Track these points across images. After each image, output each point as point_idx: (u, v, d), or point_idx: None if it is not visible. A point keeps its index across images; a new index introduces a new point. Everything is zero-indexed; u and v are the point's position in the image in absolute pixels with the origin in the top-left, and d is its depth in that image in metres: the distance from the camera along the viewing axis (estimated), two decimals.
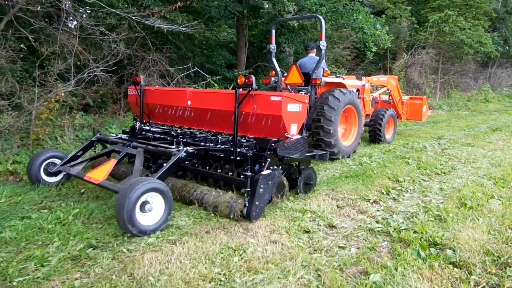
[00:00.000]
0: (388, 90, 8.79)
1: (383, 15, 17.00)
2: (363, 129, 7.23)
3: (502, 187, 5.10)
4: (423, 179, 5.42)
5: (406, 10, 18.31)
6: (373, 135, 7.95)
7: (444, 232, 3.49)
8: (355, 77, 8.00)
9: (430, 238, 3.36)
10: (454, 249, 3.19)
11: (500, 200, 4.55)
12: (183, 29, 9.40)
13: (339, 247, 3.25)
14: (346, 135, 6.74)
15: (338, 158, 6.33)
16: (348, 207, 4.23)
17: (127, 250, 3.02)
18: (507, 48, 29.47)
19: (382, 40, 13.13)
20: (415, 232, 3.51)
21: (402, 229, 3.59)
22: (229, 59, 14.08)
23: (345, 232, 3.56)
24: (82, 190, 4.49)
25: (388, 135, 8.27)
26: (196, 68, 13.14)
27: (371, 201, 4.42)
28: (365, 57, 21.49)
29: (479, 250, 3.18)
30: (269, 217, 3.78)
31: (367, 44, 12.61)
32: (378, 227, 3.64)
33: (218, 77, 13.43)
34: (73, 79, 7.35)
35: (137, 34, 11.74)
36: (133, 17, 7.80)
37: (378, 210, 4.15)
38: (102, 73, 8.40)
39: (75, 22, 8.35)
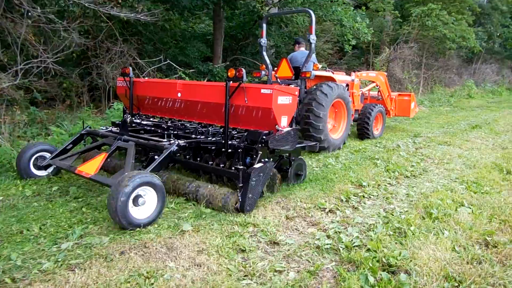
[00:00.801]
0: (377, 86, 8.76)
1: (364, 8, 16.54)
2: (352, 123, 7.35)
3: (474, 192, 4.67)
4: (389, 183, 4.96)
5: (390, 4, 17.87)
6: (361, 131, 7.97)
7: (401, 250, 3.02)
8: (344, 72, 7.99)
9: (384, 258, 2.88)
10: (409, 273, 2.72)
11: (470, 208, 4.10)
12: (142, 17, 8.77)
13: (276, 271, 2.75)
14: (335, 128, 6.82)
15: (328, 151, 6.43)
16: (298, 218, 3.73)
17: (11, 279, 2.48)
18: (491, 44, 29.42)
19: (362, 33, 12.67)
20: (368, 250, 3.03)
21: (354, 246, 3.11)
22: (204, 51, 13.47)
23: (288, 250, 3.06)
24: None
25: (376, 131, 8.31)
26: (169, 61, 12.54)
27: (327, 210, 3.93)
28: (347, 51, 21.18)
29: (438, 274, 2.72)
30: (202, 231, 3.27)
31: (345, 37, 12.13)
32: (327, 244, 3.15)
33: (191, 70, 12.82)
34: (19, 71, 6.71)
35: (102, 24, 11.10)
36: (85, 3, 7.15)
37: (332, 222, 3.66)
38: (55, 65, 7.72)
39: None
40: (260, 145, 3.97)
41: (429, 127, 10.39)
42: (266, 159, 3.96)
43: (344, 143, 6.99)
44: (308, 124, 6.06)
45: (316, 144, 5.07)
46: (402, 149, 7.01)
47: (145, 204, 3.32)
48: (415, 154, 6.59)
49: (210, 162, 4.35)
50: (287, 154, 4.46)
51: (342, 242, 3.18)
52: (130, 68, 5.33)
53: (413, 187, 4.85)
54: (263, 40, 6.85)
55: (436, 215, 3.79)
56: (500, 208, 4.10)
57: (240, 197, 3.66)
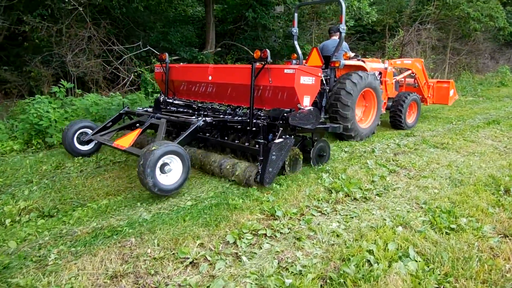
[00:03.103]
0: (413, 73, 8.41)
1: None
2: (384, 112, 7.26)
3: (439, 228, 3.20)
4: (321, 212, 3.55)
5: None
6: (394, 120, 7.68)
7: None
8: (379, 60, 7.83)
9: None
10: None
11: (416, 262, 2.67)
12: None
13: None
14: (364, 117, 6.72)
15: (355, 139, 6.32)
16: (131, 275, 2.46)
17: None
18: None
19: (363, 13, 10.97)
20: None
21: None
22: (188, 36, 12.21)
23: None
24: None
25: (410, 120, 7.96)
26: (149, 47, 11.41)
27: (187, 262, 2.63)
28: (365, 35, 19.19)
29: None
30: None
31: (335, 18, 10.49)
32: None
33: (174, 57, 11.63)
34: None
35: (66, 6, 10.10)
36: None
37: (180, 285, 2.37)
38: None
39: None
40: (281, 122, 4.06)
41: (434, 122, 8.68)
42: (287, 136, 4.03)
43: (374, 133, 6.82)
44: (336, 112, 5.99)
45: (339, 126, 5.17)
46: (376, 154, 5.50)
47: (171, 171, 3.60)
48: (387, 163, 5.07)
49: (236, 141, 4.54)
50: (310, 135, 4.63)
51: None
52: (167, 54, 5.71)
53: (351, 218, 3.42)
54: (295, 29, 6.99)
55: (353, 277, 2.41)
56: (465, 261, 2.65)
57: (260, 170, 3.83)
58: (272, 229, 3.14)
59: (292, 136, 4.14)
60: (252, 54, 12.50)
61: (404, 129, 7.63)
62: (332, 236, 3.06)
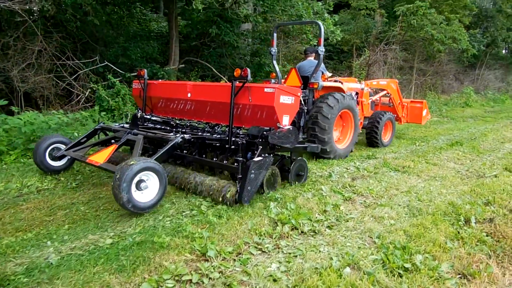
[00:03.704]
0: (388, 93, 8.62)
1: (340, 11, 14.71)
2: (360, 131, 7.40)
3: (392, 267, 2.82)
4: (261, 249, 3.11)
5: (374, 1, 16.01)
6: (370, 138, 7.84)
7: None
8: (356, 80, 7.93)
9: None
10: None
11: None
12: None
13: None
14: (342, 137, 6.75)
15: (332, 159, 6.30)
16: None
17: None
18: (495, 48, 27.27)
19: (328, 32, 10.85)
20: None
21: None
22: (149, 51, 11.74)
23: None
24: None
25: (386, 138, 8.12)
26: (106, 62, 10.87)
27: None
28: (333, 54, 19.26)
29: None
30: None
31: (305, 36, 10.32)
32: None
33: (133, 74, 11.10)
34: None
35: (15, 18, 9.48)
36: None
37: None
38: None
39: None
40: (260, 140, 4.06)
41: (397, 143, 8.50)
42: (266, 154, 4.03)
43: (352, 151, 6.88)
44: (314, 136, 6.00)
45: (317, 146, 5.25)
46: (332, 179, 5.15)
47: (147, 189, 3.51)
48: (343, 190, 4.71)
49: (214, 159, 4.50)
50: (289, 154, 4.65)
51: None
52: (145, 70, 5.69)
53: (295, 256, 3.00)
54: (273, 49, 7.01)
55: None
56: None
57: (238, 188, 3.78)
58: (199, 273, 2.67)
59: (271, 155, 4.13)
60: (216, 71, 12.11)
61: (379, 147, 7.81)
62: (268, 281, 2.63)
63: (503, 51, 31.24)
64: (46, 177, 4.78)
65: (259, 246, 3.14)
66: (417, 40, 15.94)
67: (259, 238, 3.25)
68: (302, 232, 3.47)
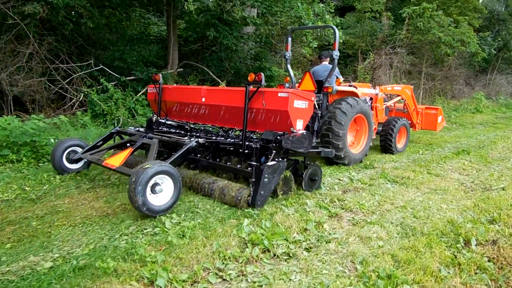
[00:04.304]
0: (402, 99, 8.48)
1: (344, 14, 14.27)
2: (375, 137, 7.32)
3: None
4: (222, 277, 2.69)
5: (380, 4, 15.54)
6: (384, 144, 7.73)
7: None
8: (370, 85, 7.94)
9: None
10: None
11: None
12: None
13: None
14: (356, 142, 6.67)
15: (348, 165, 6.23)
16: None
17: None
18: (507, 52, 26.48)
19: (329, 34, 10.44)
20: None
21: None
22: (145, 55, 11.44)
23: None
24: None
25: (400, 144, 8.01)
26: (101, 66, 10.62)
27: None
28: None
29: None
30: None
31: (305, 37, 9.92)
32: None
33: (129, 78, 10.83)
34: None
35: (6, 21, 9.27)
36: None
37: None
38: None
39: None
40: (274, 144, 4.06)
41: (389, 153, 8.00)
42: (280, 159, 4.02)
43: (366, 155, 6.81)
44: (328, 142, 5.93)
45: (331, 150, 5.08)
46: (321, 192, 4.71)
47: (162, 192, 3.54)
48: (331, 204, 4.27)
49: (228, 163, 4.54)
50: (303, 159, 4.57)
51: None
52: (160, 75, 5.78)
53: (259, 287, 2.58)
54: (288, 53, 6.94)
55: None
56: None
57: (252, 192, 3.79)
58: None
59: (285, 159, 4.11)
60: (214, 75, 11.74)
61: (394, 153, 7.67)
62: None
63: None
64: (11, 186, 4.44)
65: (220, 273, 2.72)
66: (424, 44, 15.42)
67: (223, 263, 2.84)
68: (274, 255, 3.04)
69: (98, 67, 10.49)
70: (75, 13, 10.54)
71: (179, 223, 3.49)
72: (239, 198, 3.83)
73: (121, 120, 9.32)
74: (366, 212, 4.12)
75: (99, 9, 12.15)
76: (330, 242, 3.33)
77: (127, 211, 3.72)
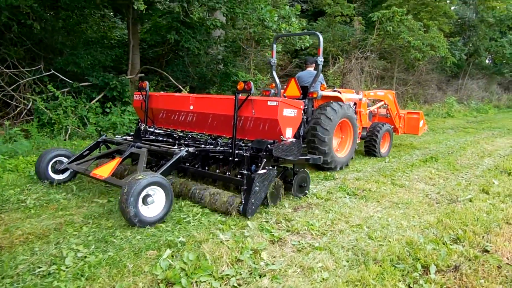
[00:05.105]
0: (385, 104, 8.66)
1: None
2: (359, 141, 7.44)
3: None
4: None
5: (350, 8, 15.29)
6: (368, 149, 7.90)
7: None
8: (354, 91, 8.03)
9: None
10: None
11: None
12: None
13: None
14: (341, 147, 6.74)
15: (334, 170, 6.33)
16: None
17: None
18: (478, 57, 26.85)
19: (296, 38, 10.02)
20: None
21: None
22: (101, 59, 10.75)
23: None
24: None
25: (384, 149, 8.16)
26: (53, 71, 9.87)
27: None
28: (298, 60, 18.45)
29: None
30: None
31: (267, 41, 9.46)
32: None
33: (82, 84, 10.10)
34: None
35: None
36: None
37: None
38: None
39: None
40: (264, 153, 4.09)
41: (365, 160, 7.60)
42: (270, 167, 4.04)
43: (352, 158, 6.93)
44: (315, 148, 5.99)
45: (320, 157, 5.09)
46: (267, 210, 4.16)
47: (153, 203, 3.53)
48: (275, 226, 3.73)
49: (217, 171, 4.57)
50: (292, 166, 4.59)
51: None
52: (147, 82, 5.66)
53: None
54: (273, 60, 7.14)
55: None
56: None
57: (243, 200, 3.80)
58: None
59: (275, 167, 4.12)
60: (177, 81, 11.13)
61: (377, 157, 7.80)
62: None
63: (486, 61, 30.93)
64: None
65: None
66: (395, 48, 15.23)
67: None
68: None
69: (49, 72, 9.77)
70: (23, 15, 9.78)
71: (85, 257, 2.88)
72: (229, 206, 3.84)
73: (69, 129, 8.62)
74: (315, 234, 3.61)
75: (53, 11, 11.44)
76: (264, 276, 2.79)
77: (26, 243, 3.09)
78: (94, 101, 9.90)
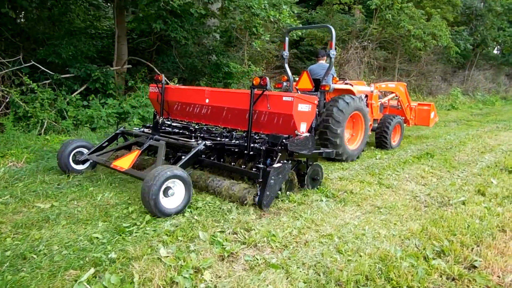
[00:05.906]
0: (396, 96, 8.70)
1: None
2: (370, 133, 7.43)
3: None
4: None
5: None
6: (379, 141, 7.89)
7: None
8: (365, 83, 8.13)
9: None
10: None
11: None
12: None
13: None
14: (352, 139, 6.80)
15: (346, 161, 6.40)
16: None
17: None
18: (484, 48, 25.98)
19: (285, 25, 9.46)
20: None
21: None
22: (84, 50, 10.27)
23: None
24: None
25: (394, 141, 8.15)
26: (33, 62, 9.44)
27: None
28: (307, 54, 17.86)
29: None
30: None
31: (255, 29, 8.91)
32: None
33: (64, 75, 9.66)
34: None
35: None
36: None
37: None
38: None
39: None
40: (279, 148, 4.17)
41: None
42: (285, 161, 4.10)
43: (363, 150, 7.00)
44: (326, 140, 6.09)
45: (333, 151, 5.13)
46: (228, 217, 3.69)
47: (174, 195, 3.66)
48: (232, 236, 3.25)
49: (232, 164, 4.62)
50: (305, 159, 4.64)
51: None
52: (163, 75, 5.77)
53: None
54: (285, 53, 7.22)
55: None
56: None
57: (259, 192, 3.88)
58: None
59: (289, 161, 4.18)
60: (166, 73, 10.63)
61: (388, 150, 7.78)
62: None
63: (494, 51, 30.00)
64: None
65: None
66: (396, 38, 14.57)
67: None
68: None
69: (30, 64, 9.33)
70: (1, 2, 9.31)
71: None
72: (245, 197, 3.93)
73: (45, 123, 8.20)
74: (276, 247, 3.13)
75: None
76: None
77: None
78: (75, 93, 9.47)
